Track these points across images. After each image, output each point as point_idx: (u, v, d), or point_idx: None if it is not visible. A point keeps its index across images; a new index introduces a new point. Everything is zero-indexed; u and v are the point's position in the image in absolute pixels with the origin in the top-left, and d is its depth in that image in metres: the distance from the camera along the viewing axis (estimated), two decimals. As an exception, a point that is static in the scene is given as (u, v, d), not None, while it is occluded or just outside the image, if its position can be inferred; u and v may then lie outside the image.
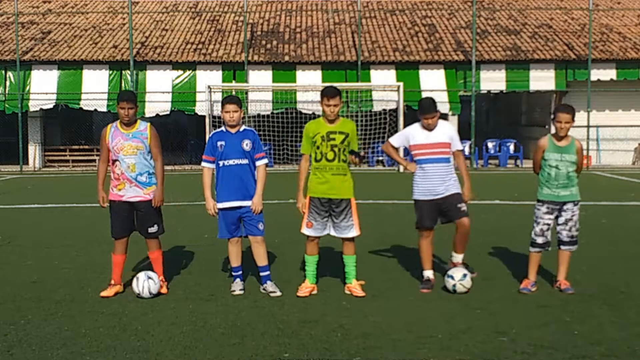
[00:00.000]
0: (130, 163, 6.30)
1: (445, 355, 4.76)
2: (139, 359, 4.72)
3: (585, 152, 23.42)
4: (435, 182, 6.48)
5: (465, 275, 6.33)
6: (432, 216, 6.58)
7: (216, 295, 6.39)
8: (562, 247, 6.50)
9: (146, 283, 6.22)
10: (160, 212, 6.55)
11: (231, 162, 6.40)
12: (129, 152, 6.30)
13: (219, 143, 6.43)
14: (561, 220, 6.45)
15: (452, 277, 6.33)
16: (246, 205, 6.43)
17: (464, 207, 6.50)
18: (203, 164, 6.55)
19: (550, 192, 6.41)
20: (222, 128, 6.55)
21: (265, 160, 6.56)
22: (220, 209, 6.45)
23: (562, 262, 6.52)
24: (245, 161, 6.43)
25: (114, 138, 6.34)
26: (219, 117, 23.12)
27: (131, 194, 6.35)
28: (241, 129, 6.51)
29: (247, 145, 6.43)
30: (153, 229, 6.48)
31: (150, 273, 6.34)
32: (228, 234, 6.50)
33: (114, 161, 6.36)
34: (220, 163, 6.43)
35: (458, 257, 6.56)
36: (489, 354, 4.77)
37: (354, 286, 6.42)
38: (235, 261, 6.57)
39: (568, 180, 6.38)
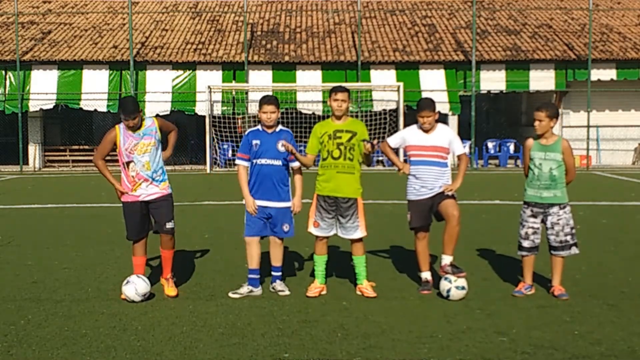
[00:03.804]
0: (145, 161, 6.30)
1: (445, 355, 4.76)
2: (139, 359, 4.72)
3: (585, 152, 23.46)
4: (427, 184, 6.46)
5: (449, 290, 6.15)
6: (423, 215, 6.52)
7: (216, 295, 6.39)
8: (553, 252, 6.38)
9: (130, 288, 6.12)
10: (173, 211, 6.55)
11: (264, 161, 6.37)
12: (143, 150, 6.31)
13: (254, 142, 6.41)
14: (548, 224, 6.33)
15: (450, 281, 6.28)
16: (274, 207, 6.40)
17: (450, 194, 6.46)
18: (238, 161, 6.51)
19: (534, 193, 6.32)
20: (259, 127, 6.52)
21: None
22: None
23: (555, 267, 6.38)
24: (278, 162, 6.39)
25: (126, 140, 6.31)
26: (219, 117, 23.22)
27: (148, 192, 6.34)
28: (277, 130, 6.47)
29: (282, 146, 6.40)
30: (171, 224, 6.45)
31: (130, 278, 6.22)
32: (257, 233, 6.43)
33: (127, 163, 6.33)
34: (254, 162, 6.41)
35: (447, 259, 6.41)
36: (489, 354, 4.77)
37: (365, 287, 6.40)
38: (256, 263, 6.43)
39: (551, 181, 6.26)
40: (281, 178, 6.43)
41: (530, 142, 6.41)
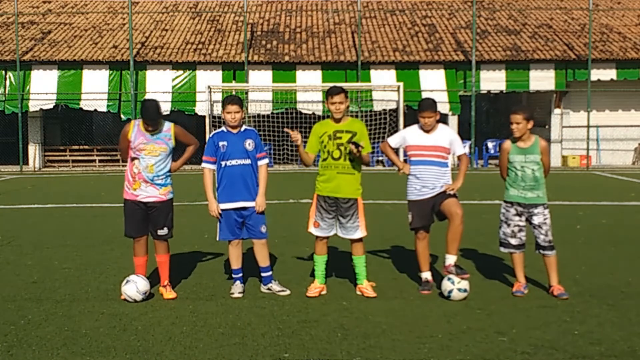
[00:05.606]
0: (149, 164, 6.25)
1: (445, 355, 4.76)
2: (139, 359, 4.72)
3: (585, 152, 23.47)
4: (428, 184, 6.47)
5: (451, 291, 6.16)
6: (424, 215, 6.52)
7: (216, 295, 6.39)
8: (542, 252, 6.41)
9: (131, 287, 6.13)
10: (172, 217, 6.51)
11: (234, 162, 6.36)
12: (151, 153, 6.24)
13: (220, 143, 6.38)
14: (535, 224, 6.36)
15: (452, 282, 6.28)
16: (249, 207, 6.39)
17: (452, 193, 6.47)
18: (204, 164, 6.48)
19: (517, 194, 6.37)
20: (223, 128, 6.51)
21: (267, 160, 6.56)
22: (222, 210, 6.42)
23: (549, 267, 6.39)
24: (248, 161, 6.39)
25: (137, 137, 6.26)
26: (219, 117, 23.19)
27: (146, 193, 6.30)
28: (242, 129, 6.48)
29: (249, 145, 6.40)
30: (163, 232, 6.42)
31: (129, 277, 6.24)
32: (230, 236, 6.45)
33: (133, 159, 6.30)
34: (223, 163, 6.38)
35: (451, 259, 6.39)
36: (489, 354, 4.77)
37: (365, 287, 6.40)
38: (236, 263, 6.52)
39: (535, 182, 6.32)
40: (252, 177, 6.42)
41: (507, 145, 6.44)
